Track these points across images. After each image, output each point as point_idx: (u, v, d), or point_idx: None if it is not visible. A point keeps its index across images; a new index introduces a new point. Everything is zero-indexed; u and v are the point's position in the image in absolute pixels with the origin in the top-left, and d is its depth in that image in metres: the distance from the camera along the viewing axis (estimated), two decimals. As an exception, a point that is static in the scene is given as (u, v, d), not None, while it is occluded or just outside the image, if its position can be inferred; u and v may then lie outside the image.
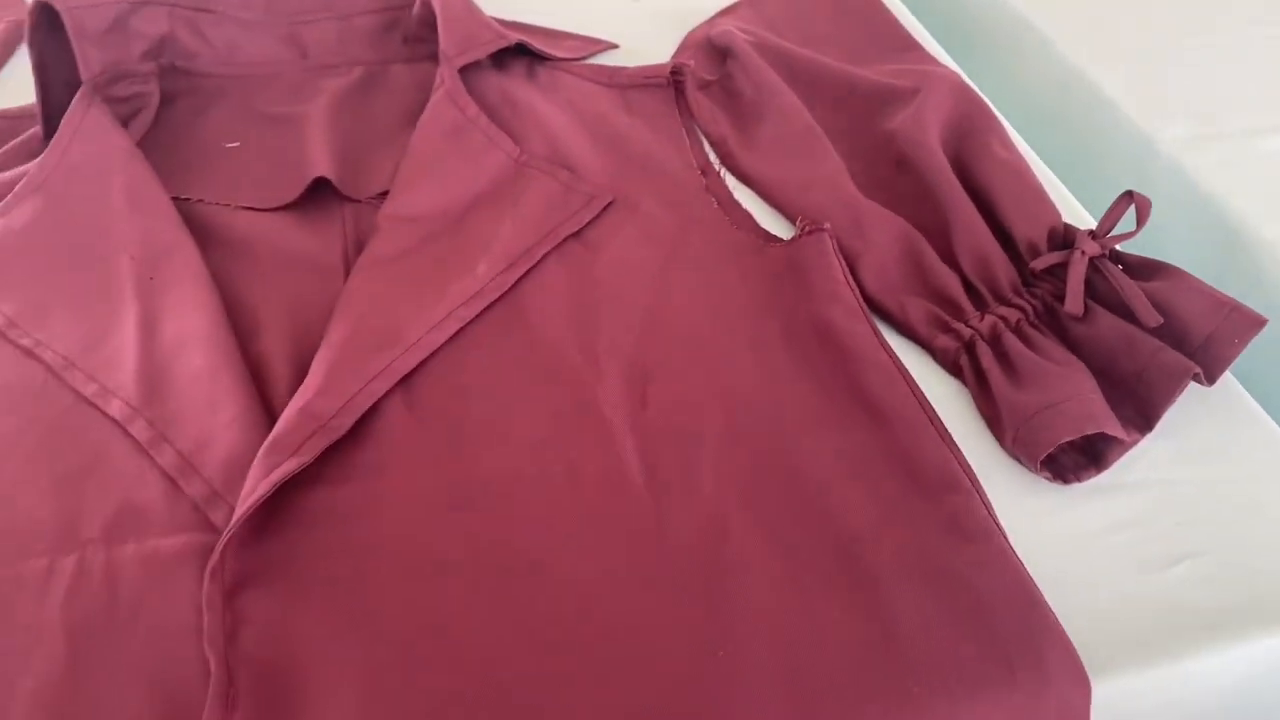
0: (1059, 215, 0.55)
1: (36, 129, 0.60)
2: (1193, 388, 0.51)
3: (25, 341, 0.50)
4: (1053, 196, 0.60)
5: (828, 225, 0.55)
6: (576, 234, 0.57)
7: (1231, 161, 0.66)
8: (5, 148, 0.59)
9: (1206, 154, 0.66)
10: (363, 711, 0.38)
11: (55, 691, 0.38)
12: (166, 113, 0.64)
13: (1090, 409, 0.46)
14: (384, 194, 0.59)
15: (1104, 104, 0.72)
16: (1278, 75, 0.73)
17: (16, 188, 0.55)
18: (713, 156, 0.64)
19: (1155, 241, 0.65)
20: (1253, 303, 0.60)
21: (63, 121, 0.57)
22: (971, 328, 0.51)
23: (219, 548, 0.41)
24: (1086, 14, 0.79)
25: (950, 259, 0.55)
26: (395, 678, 0.39)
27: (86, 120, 0.57)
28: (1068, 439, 0.45)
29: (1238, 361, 0.49)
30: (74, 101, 0.58)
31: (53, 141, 0.56)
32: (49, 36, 0.59)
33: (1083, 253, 0.51)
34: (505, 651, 0.40)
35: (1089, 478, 0.47)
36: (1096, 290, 0.52)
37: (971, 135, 0.61)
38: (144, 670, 0.39)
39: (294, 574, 0.42)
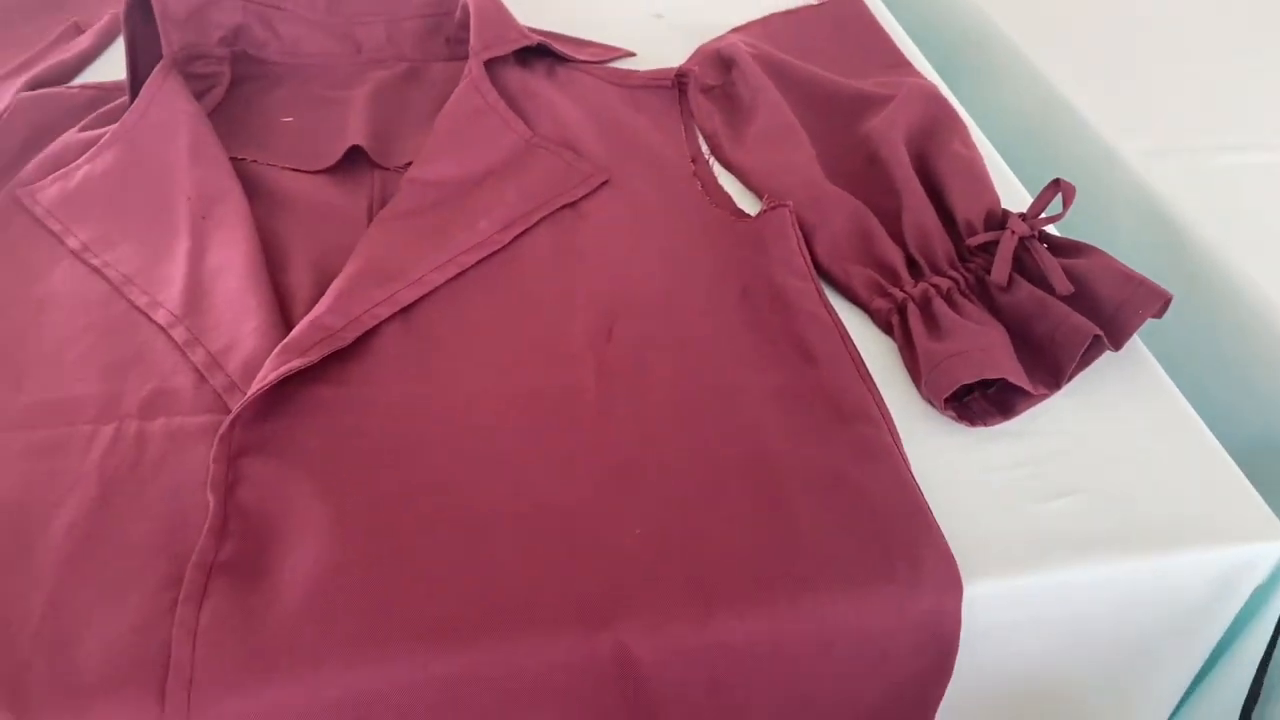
0: (998, 200, 0.61)
1: (124, 98, 0.70)
2: (1107, 355, 0.56)
3: (95, 261, 0.59)
4: (1014, 195, 0.67)
5: (789, 203, 0.62)
6: (572, 205, 0.65)
7: (1187, 172, 0.71)
8: (98, 112, 0.69)
9: (1165, 165, 0.72)
10: (327, 551, 0.45)
11: (85, 522, 0.47)
12: (236, 90, 0.74)
13: (994, 357, 0.52)
14: (410, 164, 0.67)
15: (1075, 120, 0.77)
16: (1235, 98, 0.79)
17: (102, 140, 0.65)
18: (705, 149, 0.71)
19: (1109, 243, 0.70)
20: (1192, 296, 0.65)
21: (144, 88, 0.67)
22: (905, 293, 0.58)
23: (229, 420, 0.49)
24: (1066, 38, 0.85)
25: (899, 238, 0.61)
26: (359, 528, 0.46)
27: (164, 88, 0.67)
28: (968, 380, 0.51)
29: (1172, 340, 0.54)
30: (154, 72, 0.68)
31: (136, 102, 0.67)
32: (141, 19, 0.69)
33: (1012, 231, 0.57)
34: (454, 517, 0.47)
35: (995, 424, 0.53)
36: (1024, 267, 0.57)
37: (935, 135, 0.67)
38: (159, 514, 0.47)
39: (288, 448, 0.50)
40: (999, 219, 0.60)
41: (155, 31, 0.70)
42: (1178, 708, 0.57)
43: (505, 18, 0.75)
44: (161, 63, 0.68)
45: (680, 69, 0.75)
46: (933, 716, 0.48)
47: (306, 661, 0.42)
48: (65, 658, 0.42)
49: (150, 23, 0.70)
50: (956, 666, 0.47)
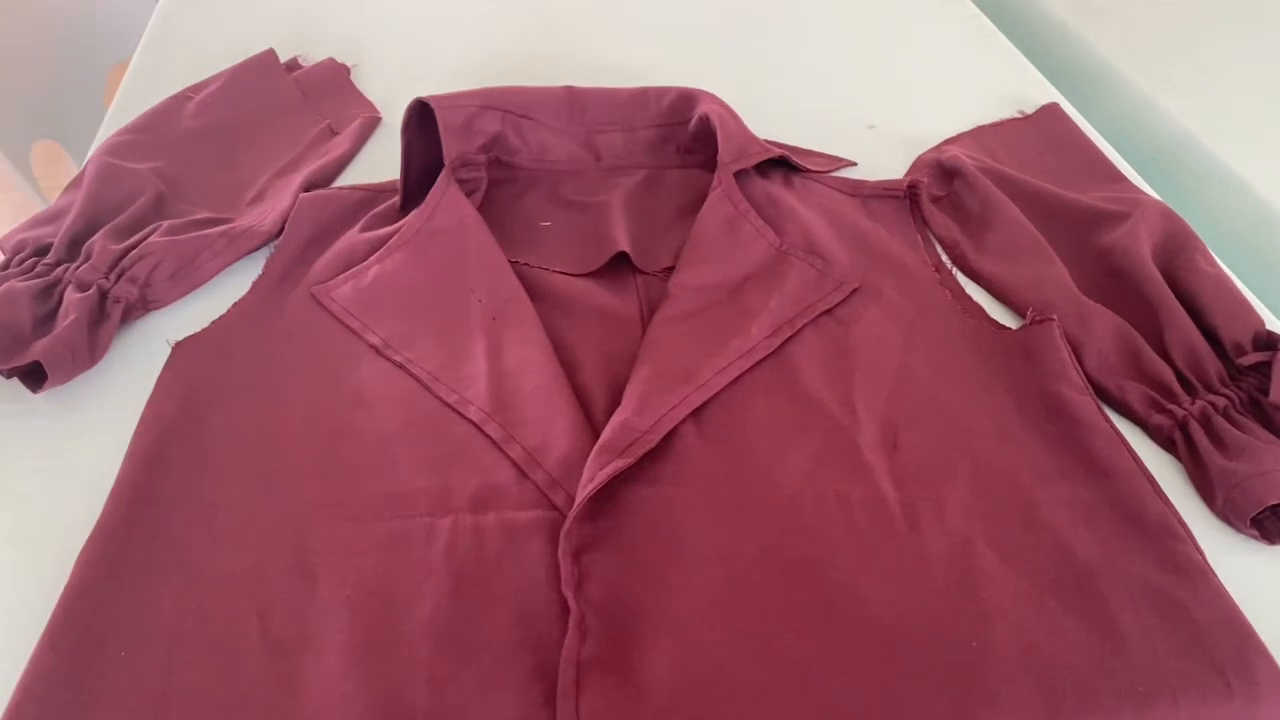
0: (1262, 321, 0.63)
1: (394, 199, 0.75)
2: (1388, 477, 0.57)
3: (397, 358, 0.63)
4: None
5: (1055, 316, 0.64)
6: (829, 311, 0.68)
7: None
8: (372, 213, 0.74)
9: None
10: (683, 648, 0.48)
11: (445, 615, 0.49)
12: (491, 194, 0.78)
13: (1295, 479, 0.54)
14: (667, 269, 0.71)
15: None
16: None
17: (390, 241, 0.70)
18: (944, 258, 0.74)
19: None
20: None
21: (430, 193, 0.72)
22: (1184, 409, 0.60)
23: (570, 519, 0.52)
24: (1268, 146, 0.88)
25: (1162, 353, 0.63)
26: (707, 628, 0.49)
27: (447, 194, 0.72)
28: (1275, 501, 0.53)
29: None
30: (439, 179, 0.73)
31: (420, 208, 0.71)
32: (416, 129, 0.74)
33: (1286, 352, 0.59)
34: (788, 624, 0.50)
35: (1292, 542, 0.54)
36: (1296, 387, 0.59)
37: (1179, 252, 0.69)
38: (509, 607, 0.50)
39: (621, 546, 0.53)
40: (1264, 339, 0.62)
41: (424, 140, 0.75)
42: None
43: (746, 131, 0.79)
44: (444, 170, 0.73)
45: (910, 179, 0.78)
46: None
47: (687, 759, 0.44)
48: (457, 748, 0.45)
49: (422, 133, 0.75)
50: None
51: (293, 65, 0.93)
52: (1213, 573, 0.52)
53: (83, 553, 0.51)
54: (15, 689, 0.45)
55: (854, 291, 0.69)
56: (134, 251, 0.65)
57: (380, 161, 0.84)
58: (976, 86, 0.95)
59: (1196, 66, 0.99)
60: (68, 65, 1.12)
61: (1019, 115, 0.90)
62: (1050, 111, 0.90)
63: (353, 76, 0.93)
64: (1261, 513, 0.56)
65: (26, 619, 0.49)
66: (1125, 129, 0.95)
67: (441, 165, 0.75)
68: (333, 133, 0.84)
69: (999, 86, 0.95)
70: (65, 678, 0.46)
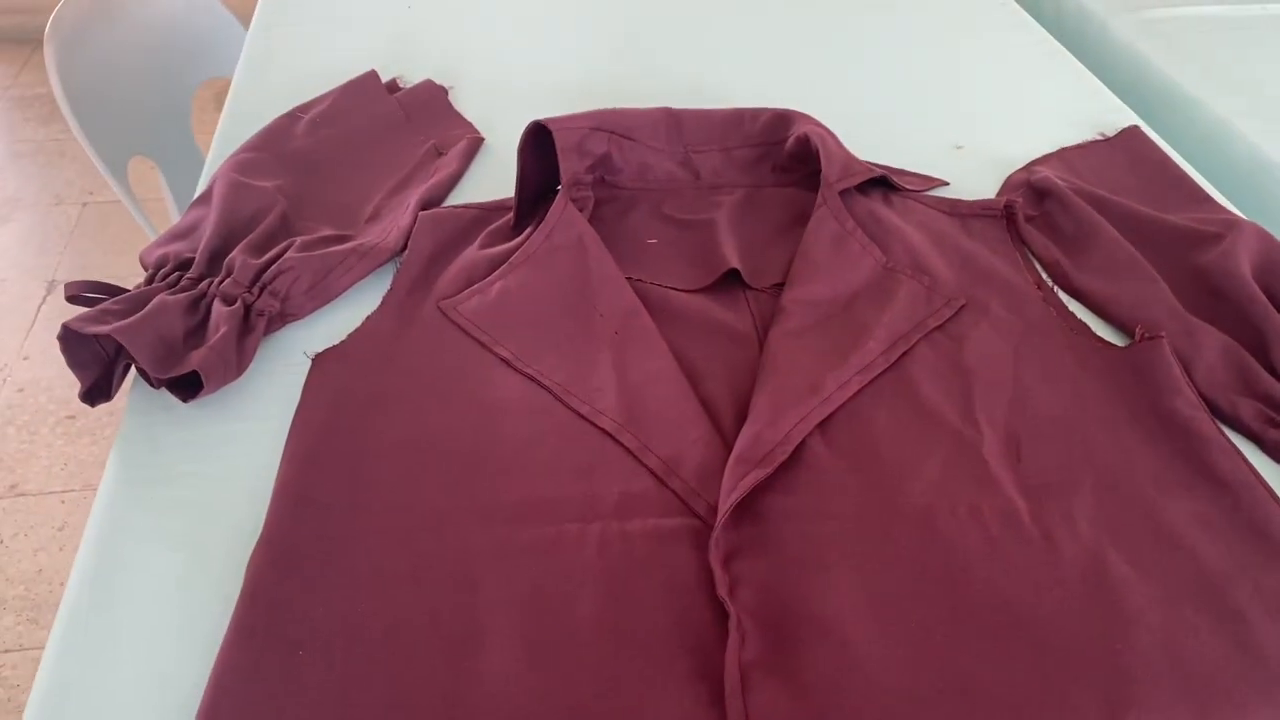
0: (1370, 339, 0.65)
1: (507, 216, 0.77)
2: None
3: (528, 370, 0.65)
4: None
5: (1164, 333, 0.66)
6: (940, 327, 0.70)
7: None
8: (487, 230, 0.76)
9: None
10: (835, 655, 0.50)
11: (607, 618, 0.51)
12: (597, 213, 0.81)
13: None
14: (776, 285, 0.73)
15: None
16: None
17: (512, 258, 0.72)
18: (1045, 276, 0.76)
19: None
20: None
21: (549, 212, 0.74)
22: (1298, 424, 0.61)
23: (718, 526, 0.54)
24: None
25: (1270, 370, 0.65)
26: (860, 630, 0.51)
27: (565, 213, 0.74)
28: (1402, 514, 0.54)
29: None
30: (558, 198, 0.75)
31: (540, 227, 0.74)
32: (531, 150, 0.77)
33: (1397, 370, 0.61)
34: (938, 629, 0.51)
35: None
36: None
37: (1277, 271, 0.71)
38: (665, 611, 0.52)
39: (768, 553, 0.55)
40: (1372, 356, 0.64)
41: (536, 161, 0.78)
42: None
43: (846, 151, 0.81)
44: (561, 190, 0.76)
45: (1007, 199, 0.81)
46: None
47: (856, 756, 0.46)
48: (631, 739, 0.47)
49: (534, 154, 0.77)
50: None
51: (393, 86, 0.95)
52: (1342, 583, 0.54)
53: (254, 555, 0.53)
54: (208, 685, 0.48)
55: (962, 308, 0.71)
56: (273, 267, 0.67)
57: (482, 180, 0.86)
58: (1055, 109, 0.97)
59: (1272, 90, 1.01)
60: (157, 85, 1.15)
61: (1100, 138, 0.92)
62: (1132, 134, 0.92)
63: (449, 97, 0.96)
64: (1381, 525, 0.57)
65: (198, 619, 0.51)
66: (1203, 152, 0.97)
67: (548, 184, 0.78)
68: (438, 152, 0.87)
69: (1079, 110, 0.97)
70: (253, 676, 0.48)
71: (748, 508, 0.57)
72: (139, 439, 0.61)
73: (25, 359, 1.77)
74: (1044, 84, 1.02)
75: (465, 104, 0.96)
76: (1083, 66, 1.05)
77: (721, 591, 0.52)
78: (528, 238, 0.74)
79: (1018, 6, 1.16)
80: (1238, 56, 1.08)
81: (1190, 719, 0.48)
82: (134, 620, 0.52)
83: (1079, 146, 0.91)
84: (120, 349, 0.62)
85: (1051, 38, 1.11)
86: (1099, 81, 1.02)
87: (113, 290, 0.65)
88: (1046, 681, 0.49)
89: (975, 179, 0.87)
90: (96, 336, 0.61)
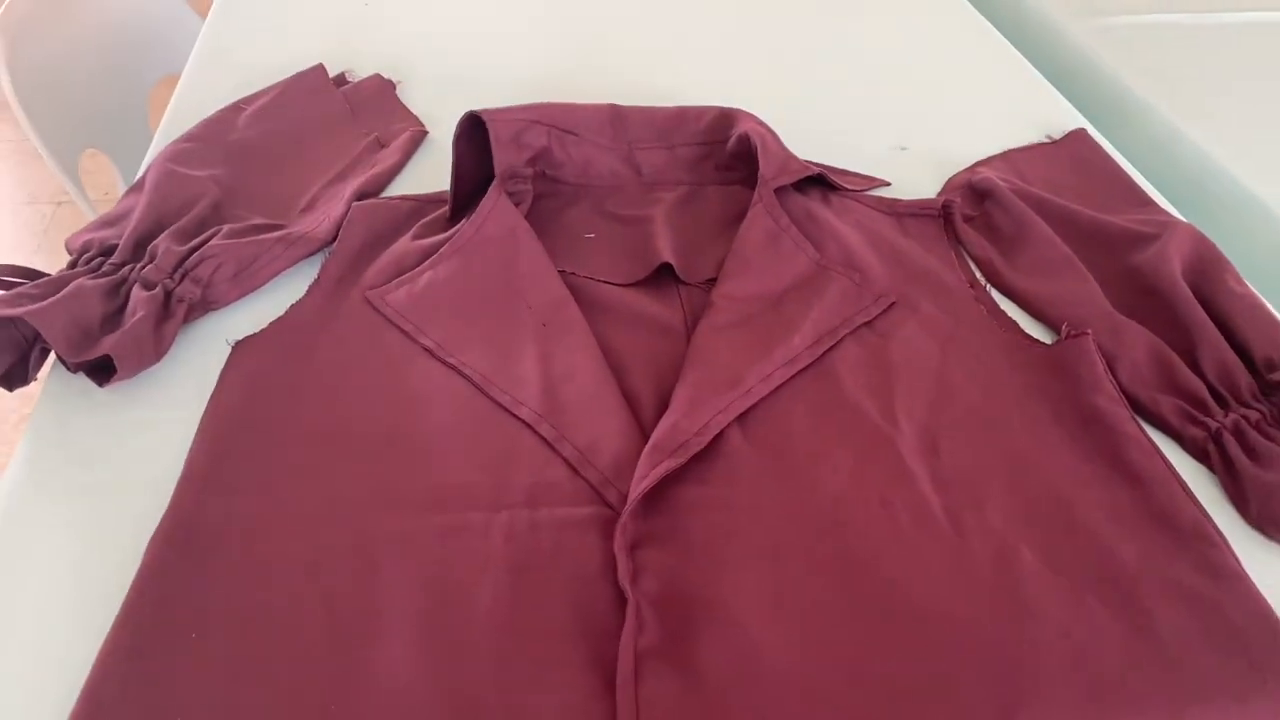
0: (1293, 338, 0.65)
1: (443, 210, 0.77)
2: None
3: (450, 360, 0.65)
4: None
5: (1089, 331, 0.66)
6: (869, 323, 0.70)
7: None
8: (421, 221, 0.76)
9: None
10: (731, 643, 0.49)
11: (505, 604, 0.51)
12: (537, 207, 0.80)
13: (1329, 489, 0.55)
14: (709, 280, 0.73)
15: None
16: None
17: (442, 249, 0.72)
18: (978, 275, 0.76)
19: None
20: None
21: (481, 203, 0.74)
22: (1218, 422, 0.61)
23: (624, 516, 0.53)
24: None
25: (1194, 368, 0.65)
26: (758, 620, 0.50)
27: (498, 205, 0.74)
28: (1310, 510, 0.54)
29: None
30: (490, 189, 0.75)
31: (471, 218, 0.73)
32: (466, 141, 0.77)
33: (1317, 369, 0.61)
34: (839, 619, 0.51)
35: (1325, 551, 0.56)
36: (1328, 402, 0.61)
37: (1209, 272, 0.71)
38: (565, 599, 0.52)
39: (675, 542, 0.54)
40: (1295, 355, 0.64)
41: (472, 153, 0.77)
42: None
43: (785, 150, 0.81)
44: (495, 182, 0.75)
45: (944, 199, 0.80)
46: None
47: (745, 743, 0.46)
48: (520, 727, 0.46)
49: (470, 145, 0.77)
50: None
51: (340, 80, 0.95)
52: (1247, 576, 0.53)
53: (154, 537, 0.53)
54: (94, 665, 0.47)
55: (891, 305, 0.71)
56: (197, 254, 0.67)
57: (425, 174, 0.86)
58: (1005, 113, 0.97)
59: (1223, 98, 1.02)
60: (113, 80, 1.15)
61: (1047, 140, 0.92)
62: (1078, 137, 0.92)
63: (398, 92, 0.96)
64: (1294, 522, 0.57)
65: (95, 603, 0.51)
66: (1152, 157, 0.97)
67: (488, 177, 0.78)
68: (380, 145, 0.87)
69: (1027, 113, 0.97)
70: (139, 656, 0.48)
71: (659, 497, 0.56)
72: (51, 423, 0.61)
73: None
74: (994, 86, 1.02)
75: (414, 99, 0.95)
76: (1034, 69, 1.05)
77: (623, 579, 0.51)
78: (460, 229, 0.73)
79: (971, 8, 1.16)
80: (1192, 64, 1.08)
81: (1085, 708, 0.48)
82: (31, 603, 0.51)
83: (1024, 149, 0.91)
84: (37, 333, 0.62)
85: (1005, 40, 1.11)
86: (1049, 85, 1.02)
87: (33, 275, 0.65)
88: (943, 672, 0.49)
89: (919, 180, 0.87)
90: (11, 319, 0.60)
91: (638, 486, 0.55)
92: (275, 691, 0.47)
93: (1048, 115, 0.97)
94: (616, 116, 0.85)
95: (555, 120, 0.81)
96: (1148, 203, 0.83)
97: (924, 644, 0.50)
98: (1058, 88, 1.03)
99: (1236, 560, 0.54)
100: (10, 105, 1.00)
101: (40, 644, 0.49)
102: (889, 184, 0.86)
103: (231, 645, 0.49)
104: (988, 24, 1.14)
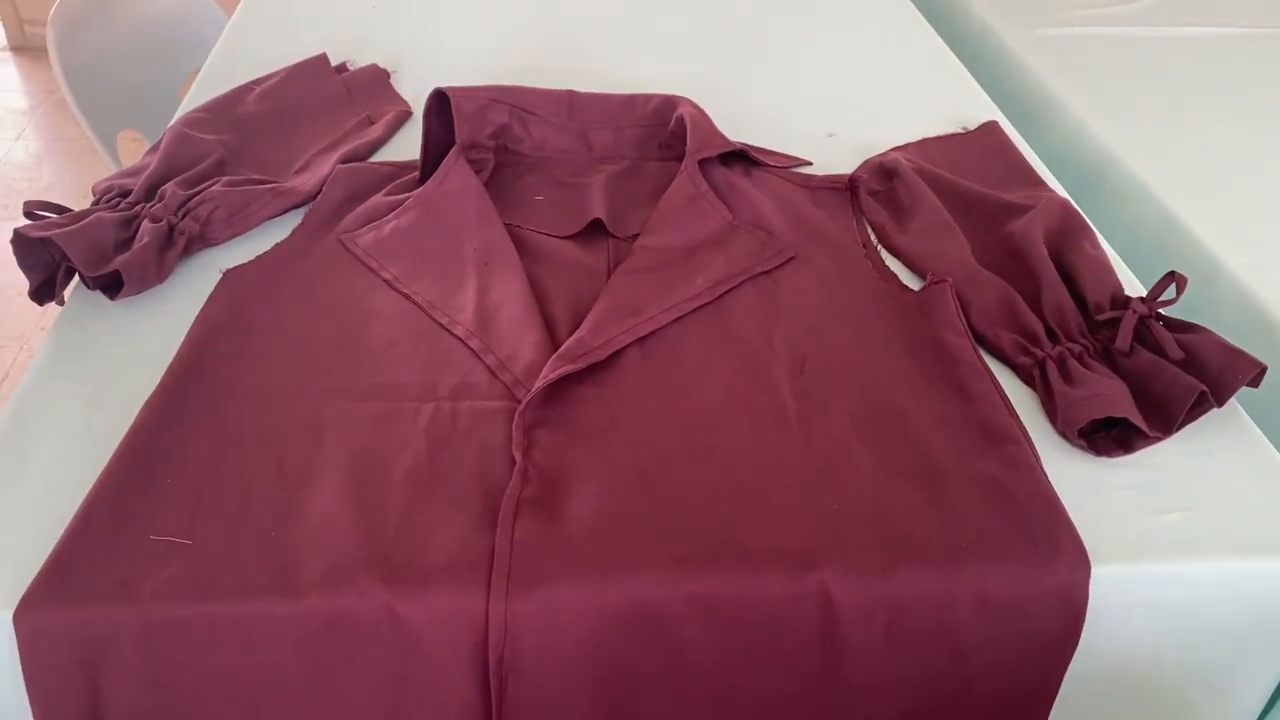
0: (1121, 286, 0.75)
1: (415, 174, 0.90)
2: (1211, 413, 0.69)
3: (404, 290, 0.77)
4: (1134, 292, 0.80)
5: (949, 279, 0.77)
6: (768, 273, 0.81)
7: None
8: (395, 182, 0.89)
9: (1265, 277, 0.86)
10: (602, 497, 0.61)
11: (420, 469, 0.63)
12: (497, 174, 0.93)
13: (1118, 401, 0.66)
14: (635, 236, 0.85)
15: (1187, 238, 0.92)
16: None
17: (406, 202, 0.84)
18: (873, 238, 0.87)
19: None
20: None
21: (441, 165, 0.87)
22: (1045, 353, 0.72)
23: (524, 403, 0.65)
24: (1183, 166, 1.01)
25: (1038, 312, 0.76)
26: (623, 485, 0.62)
27: (456, 166, 0.87)
28: (1097, 417, 0.65)
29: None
30: (450, 153, 0.88)
31: (433, 176, 0.86)
32: (435, 115, 0.89)
33: (1133, 310, 0.71)
34: (687, 485, 0.62)
35: (1117, 456, 0.66)
36: (1144, 341, 0.71)
37: (1068, 235, 0.82)
38: (471, 466, 0.63)
39: (566, 427, 0.66)
40: (1122, 301, 0.74)
41: (442, 126, 0.90)
42: (1268, 709, 0.67)
43: (714, 129, 0.93)
44: (455, 148, 0.88)
45: (852, 175, 0.92)
46: (1062, 676, 0.61)
47: (594, 570, 0.57)
48: (417, 552, 0.58)
49: (440, 120, 0.90)
50: (1083, 637, 0.59)
51: (341, 68, 1.09)
52: (1040, 468, 0.64)
53: (144, 408, 0.65)
54: (89, 493, 0.60)
55: (790, 260, 0.83)
56: (197, 196, 0.80)
57: (408, 147, 0.99)
58: (931, 107, 1.08)
59: (1129, 94, 1.13)
60: (150, 70, 1.30)
61: (962, 130, 1.03)
62: (989, 128, 1.03)
63: (393, 80, 1.09)
64: (1096, 432, 0.67)
65: (98, 455, 0.63)
66: (1060, 150, 1.08)
67: (452, 147, 0.90)
68: (370, 122, 1.00)
69: (951, 107, 1.08)
70: (125, 491, 0.60)
71: (559, 394, 0.68)
72: (72, 325, 0.74)
73: (42, 329, 1.92)
74: (924, 84, 1.13)
75: (406, 85, 1.09)
76: (966, 71, 1.16)
77: (516, 449, 0.63)
78: (424, 186, 0.86)
79: (918, 14, 1.28)
80: (1115, 70, 1.18)
81: (878, 568, 0.58)
82: (51, 460, 0.64)
83: (939, 137, 1.02)
84: (64, 255, 0.75)
85: (944, 44, 1.22)
86: (977, 85, 1.13)
87: (62, 210, 0.78)
88: (759, 525, 0.60)
89: (841, 162, 0.98)
90: (43, 240, 0.74)
91: (540, 382, 0.67)
92: (228, 517, 0.59)
93: (968, 109, 1.08)
94: (573, 100, 0.97)
95: (516, 100, 0.94)
96: (1038, 183, 0.94)
97: (753, 506, 0.61)
98: (991, 89, 1.14)
99: (1036, 456, 0.65)
100: (60, 88, 1.14)
101: (55, 480, 0.62)
102: (810, 163, 0.97)
103: (197, 489, 0.61)
104: (931, 30, 1.25)
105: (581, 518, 0.60)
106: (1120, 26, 1.27)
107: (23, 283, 0.75)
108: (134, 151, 1.36)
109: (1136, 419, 0.65)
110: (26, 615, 0.54)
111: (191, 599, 0.55)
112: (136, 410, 0.66)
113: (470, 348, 0.72)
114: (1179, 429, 0.67)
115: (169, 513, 0.60)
